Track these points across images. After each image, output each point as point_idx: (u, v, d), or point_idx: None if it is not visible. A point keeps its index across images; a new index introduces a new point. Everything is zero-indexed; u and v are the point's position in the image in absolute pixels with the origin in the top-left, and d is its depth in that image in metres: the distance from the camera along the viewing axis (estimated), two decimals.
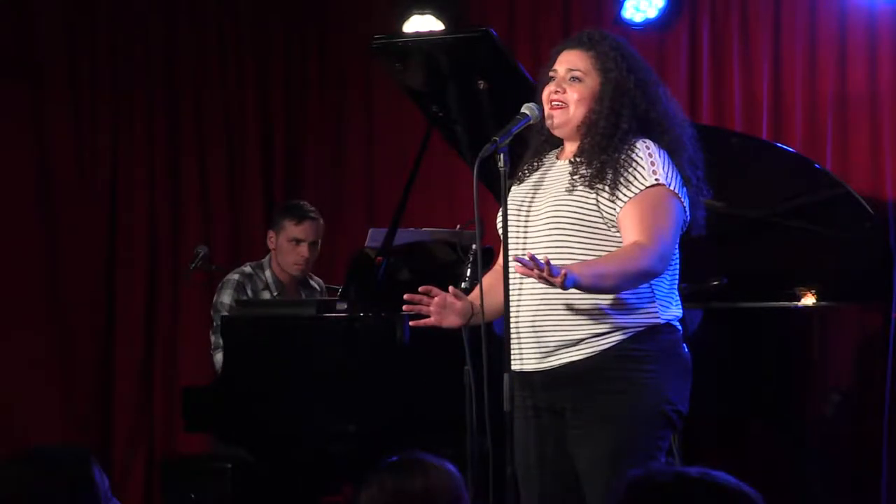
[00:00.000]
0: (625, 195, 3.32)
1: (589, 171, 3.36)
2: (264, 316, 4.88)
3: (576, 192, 3.35)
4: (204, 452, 5.47)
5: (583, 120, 3.42)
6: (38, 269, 6.67)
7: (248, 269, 5.49)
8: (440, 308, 3.45)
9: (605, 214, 3.33)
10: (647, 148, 3.36)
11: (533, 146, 3.53)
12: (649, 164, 3.33)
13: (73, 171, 6.73)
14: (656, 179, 3.32)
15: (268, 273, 5.47)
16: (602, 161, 3.35)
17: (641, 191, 3.31)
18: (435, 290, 3.45)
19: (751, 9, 6.01)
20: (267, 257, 5.54)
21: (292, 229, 5.44)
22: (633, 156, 3.34)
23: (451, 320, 3.46)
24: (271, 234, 5.51)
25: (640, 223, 3.30)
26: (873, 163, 5.78)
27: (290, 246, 5.44)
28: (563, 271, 3.09)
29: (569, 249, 3.34)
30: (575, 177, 3.38)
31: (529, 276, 3.17)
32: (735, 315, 4.80)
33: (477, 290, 3.49)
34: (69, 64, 6.73)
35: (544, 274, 3.08)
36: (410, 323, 3.61)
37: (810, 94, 5.90)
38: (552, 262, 3.12)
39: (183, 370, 6.58)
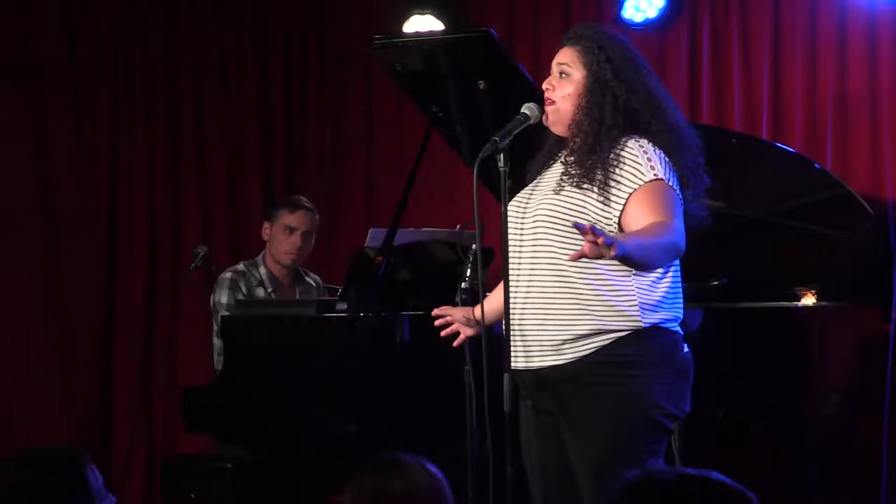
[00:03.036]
0: (619, 195, 3.30)
1: (578, 171, 3.35)
2: (264, 316, 4.88)
3: (562, 193, 3.35)
4: (204, 452, 5.47)
5: (573, 117, 3.42)
6: (39, 269, 6.67)
7: (241, 266, 5.51)
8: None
9: (592, 215, 3.31)
10: (642, 146, 3.34)
11: (546, 146, 3.54)
12: (646, 161, 3.31)
13: (73, 171, 6.73)
14: (655, 175, 3.30)
15: (262, 270, 5.49)
16: (592, 160, 3.34)
17: (641, 185, 3.29)
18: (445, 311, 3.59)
19: (751, 9, 6.01)
20: (261, 254, 5.55)
21: (286, 217, 5.47)
22: (624, 153, 3.32)
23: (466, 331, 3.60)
24: (266, 225, 5.55)
25: (653, 209, 3.27)
26: (873, 163, 5.79)
27: (284, 235, 5.46)
28: (613, 241, 3.01)
29: (549, 248, 3.34)
30: (564, 177, 3.38)
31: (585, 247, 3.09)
32: (735, 315, 4.80)
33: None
34: (69, 64, 6.74)
35: (599, 242, 3.00)
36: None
37: (810, 94, 5.91)
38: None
39: (183, 370, 6.58)
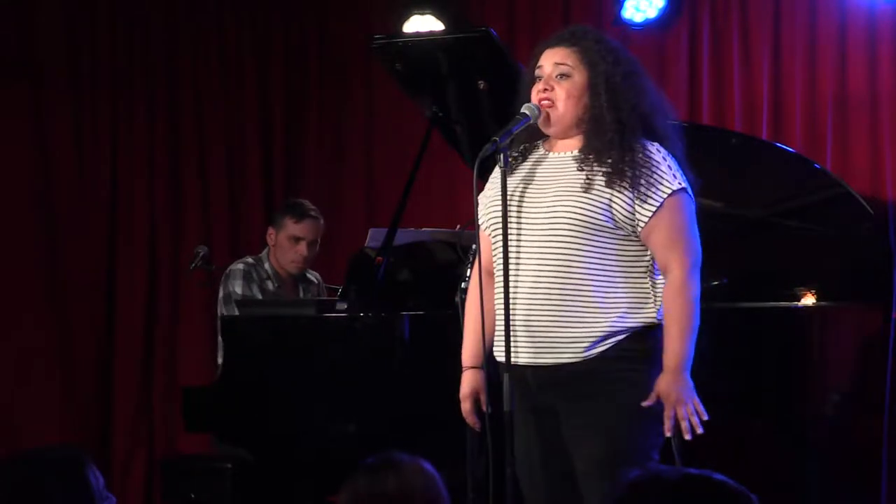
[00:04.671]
0: (649, 203, 3.31)
1: (604, 168, 3.34)
2: (264, 316, 4.88)
3: (591, 191, 3.33)
4: (204, 452, 5.47)
5: (579, 115, 3.41)
6: (39, 269, 6.67)
7: (250, 259, 5.52)
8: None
9: (617, 215, 3.32)
10: (660, 152, 3.36)
11: (515, 142, 3.50)
12: (668, 169, 3.34)
13: (73, 171, 6.73)
14: (679, 184, 3.34)
15: (267, 265, 5.50)
16: (616, 158, 3.33)
17: (664, 199, 3.32)
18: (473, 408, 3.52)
19: (751, 9, 6.01)
20: (264, 252, 5.55)
21: (292, 227, 5.45)
22: (651, 159, 3.34)
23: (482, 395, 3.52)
24: (271, 230, 5.53)
25: (669, 243, 3.33)
26: (873, 163, 5.78)
27: (289, 244, 5.45)
28: (682, 398, 3.26)
29: (574, 247, 3.31)
30: (592, 175, 3.34)
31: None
32: (735, 315, 4.79)
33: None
34: (69, 64, 6.74)
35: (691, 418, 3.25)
36: None
37: (810, 94, 5.90)
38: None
39: (183, 370, 6.58)
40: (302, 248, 5.45)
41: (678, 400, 3.25)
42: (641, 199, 3.31)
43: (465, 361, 3.53)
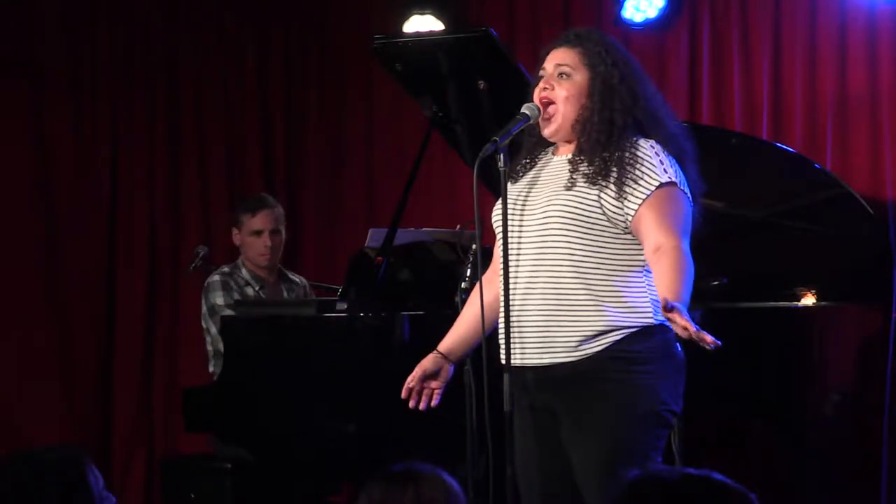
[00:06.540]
0: (636, 195, 3.31)
1: (590, 168, 3.36)
2: (264, 316, 4.89)
3: (576, 189, 3.35)
4: (204, 452, 5.48)
5: (576, 117, 3.42)
6: (38, 269, 6.67)
7: (226, 268, 5.52)
8: (422, 385, 3.54)
9: (608, 211, 3.33)
10: (653, 147, 3.36)
11: (525, 147, 3.53)
12: (658, 163, 3.33)
13: (73, 171, 6.73)
14: (669, 178, 3.32)
15: (244, 271, 5.50)
16: (603, 158, 3.34)
17: (653, 190, 3.31)
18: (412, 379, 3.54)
19: (751, 9, 6.02)
20: (240, 258, 5.57)
21: (249, 221, 5.49)
22: (639, 154, 3.34)
23: (437, 384, 3.55)
24: (235, 232, 5.56)
25: (661, 225, 3.30)
26: (873, 163, 5.79)
27: (252, 239, 5.49)
28: (673, 305, 3.10)
29: (566, 245, 3.33)
30: (575, 174, 3.37)
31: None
32: (735, 315, 4.80)
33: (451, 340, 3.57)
34: (69, 64, 6.74)
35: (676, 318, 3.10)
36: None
37: (810, 94, 5.91)
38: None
39: (183, 370, 6.58)
40: (265, 238, 5.47)
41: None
42: (629, 191, 3.31)
43: (439, 346, 3.59)
